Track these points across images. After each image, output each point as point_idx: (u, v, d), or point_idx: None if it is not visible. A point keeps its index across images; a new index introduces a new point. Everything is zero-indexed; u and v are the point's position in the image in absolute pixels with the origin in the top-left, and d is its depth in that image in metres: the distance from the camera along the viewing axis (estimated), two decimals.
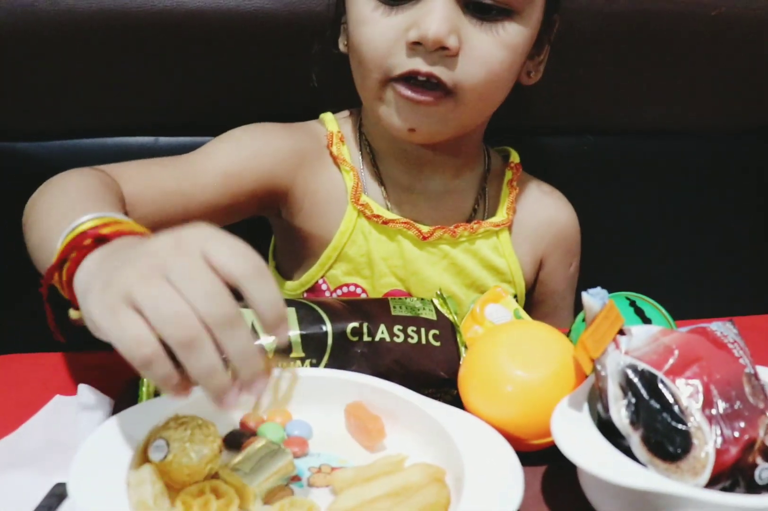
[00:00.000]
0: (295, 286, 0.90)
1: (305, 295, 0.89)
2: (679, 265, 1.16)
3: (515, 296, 0.91)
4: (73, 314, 0.56)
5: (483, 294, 0.80)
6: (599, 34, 1.00)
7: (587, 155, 1.09)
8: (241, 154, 0.83)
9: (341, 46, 0.86)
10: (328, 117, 0.90)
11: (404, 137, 0.81)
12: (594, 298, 0.58)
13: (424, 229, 0.86)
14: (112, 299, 0.46)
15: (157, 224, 0.73)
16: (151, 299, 0.45)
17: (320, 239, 0.87)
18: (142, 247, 0.49)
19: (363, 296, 0.88)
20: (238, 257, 0.47)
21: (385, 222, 0.85)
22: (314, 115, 0.93)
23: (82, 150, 0.98)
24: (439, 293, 0.74)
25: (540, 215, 0.94)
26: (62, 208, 0.63)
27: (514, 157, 0.95)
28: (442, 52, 0.73)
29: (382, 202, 0.87)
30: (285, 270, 0.94)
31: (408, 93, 0.76)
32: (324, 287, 0.88)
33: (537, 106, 1.04)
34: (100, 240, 0.55)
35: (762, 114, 1.14)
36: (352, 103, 0.90)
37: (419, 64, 0.74)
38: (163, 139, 1.00)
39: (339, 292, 0.88)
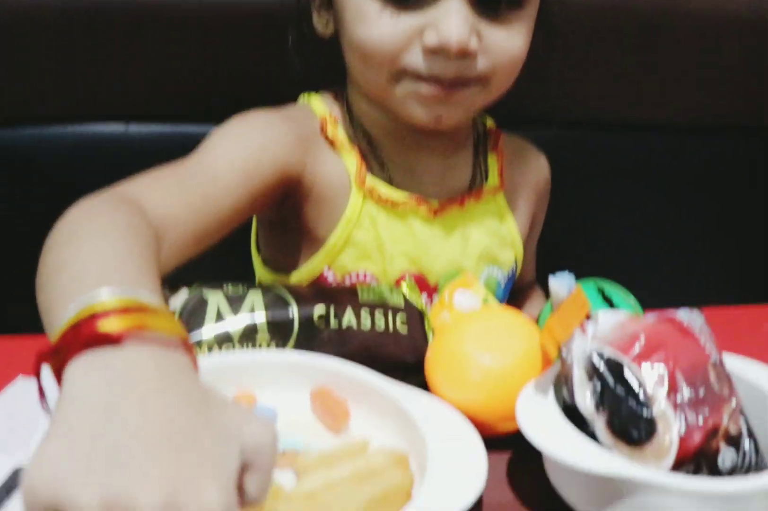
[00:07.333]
0: (296, 278, 0.85)
1: None
2: (651, 254, 1.17)
3: (515, 261, 0.92)
4: None
5: (453, 279, 0.79)
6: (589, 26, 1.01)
7: (563, 147, 1.08)
8: (251, 148, 0.76)
9: (320, 27, 0.81)
10: (314, 99, 0.86)
11: (430, 127, 0.78)
12: (561, 282, 0.58)
13: (435, 204, 0.84)
14: (42, 498, 0.34)
15: (192, 242, 0.69)
16: None
17: (324, 227, 0.83)
18: (140, 443, 0.35)
19: (373, 284, 0.83)
20: None
21: (394, 203, 0.83)
22: (291, 100, 0.87)
23: (50, 137, 0.98)
24: (407, 280, 0.74)
25: (528, 177, 0.94)
26: (76, 267, 0.50)
27: (490, 123, 0.93)
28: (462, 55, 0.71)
29: (387, 182, 0.84)
30: (275, 262, 0.90)
31: (436, 92, 0.74)
32: (330, 277, 0.84)
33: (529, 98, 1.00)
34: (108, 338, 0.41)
35: (750, 112, 1.14)
36: (333, 83, 0.86)
37: (440, 71, 0.72)
38: (134, 127, 0.99)
39: (347, 281, 0.84)
